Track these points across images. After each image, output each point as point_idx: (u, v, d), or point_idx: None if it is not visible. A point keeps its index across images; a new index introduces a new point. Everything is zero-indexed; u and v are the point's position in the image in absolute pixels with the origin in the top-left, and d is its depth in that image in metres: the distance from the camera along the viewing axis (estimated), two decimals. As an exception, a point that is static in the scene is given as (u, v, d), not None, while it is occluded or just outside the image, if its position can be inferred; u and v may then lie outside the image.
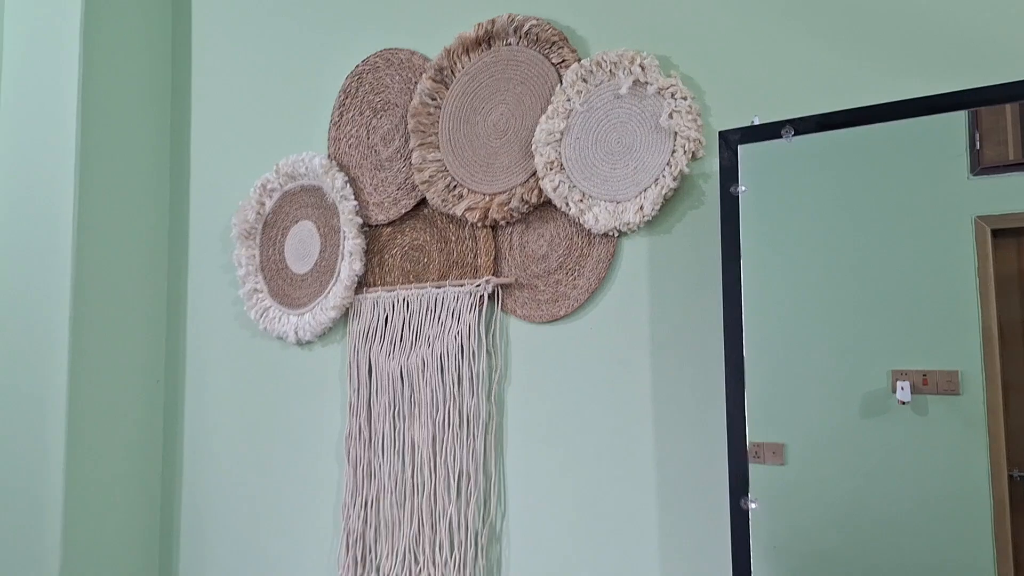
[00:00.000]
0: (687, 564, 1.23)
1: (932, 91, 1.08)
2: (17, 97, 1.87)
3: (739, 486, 1.09)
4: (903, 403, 1.37)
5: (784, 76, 1.19)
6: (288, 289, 1.71)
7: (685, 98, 1.25)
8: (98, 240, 1.79)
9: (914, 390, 1.30)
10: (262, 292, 1.74)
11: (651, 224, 1.29)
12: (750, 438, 1.30)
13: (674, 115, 1.25)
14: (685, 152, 1.24)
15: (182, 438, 1.86)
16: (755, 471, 1.45)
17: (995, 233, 1.15)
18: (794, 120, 1.08)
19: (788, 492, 1.46)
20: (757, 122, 1.11)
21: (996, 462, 1.17)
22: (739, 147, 1.12)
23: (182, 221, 1.92)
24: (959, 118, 1.07)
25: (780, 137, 1.08)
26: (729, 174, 1.11)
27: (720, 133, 1.14)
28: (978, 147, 1.09)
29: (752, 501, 1.09)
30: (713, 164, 1.22)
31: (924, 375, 1.29)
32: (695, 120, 1.24)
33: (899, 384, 1.41)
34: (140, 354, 1.87)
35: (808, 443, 1.41)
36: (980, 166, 1.11)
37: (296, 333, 1.67)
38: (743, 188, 1.11)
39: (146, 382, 1.87)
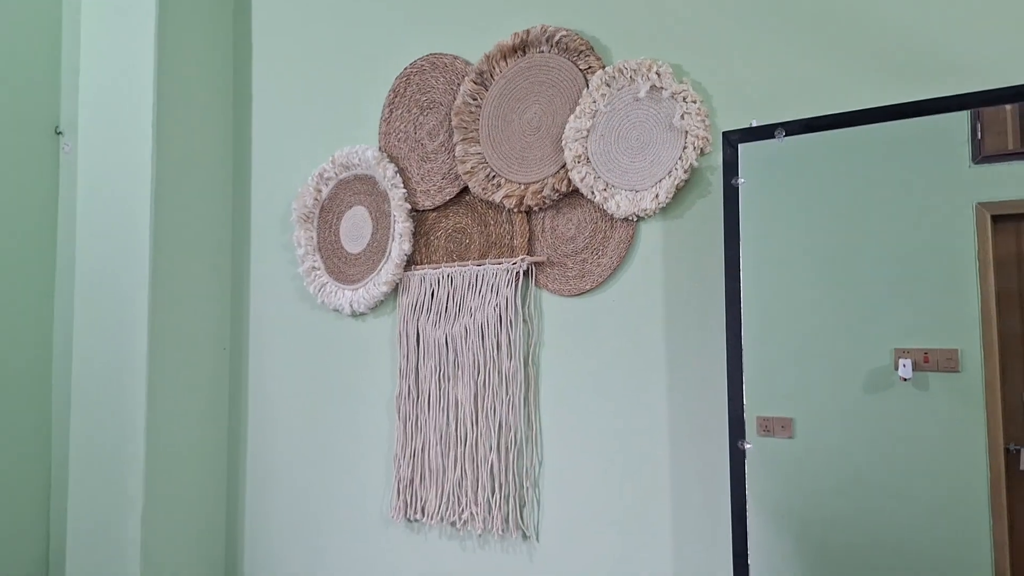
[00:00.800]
0: (695, 499, 1.46)
1: (902, 99, 1.29)
2: (100, 98, 2.11)
3: (737, 431, 1.31)
4: (905, 380, 1.49)
5: (779, 84, 1.40)
6: (343, 267, 1.94)
7: (695, 102, 1.46)
8: (172, 225, 2.03)
9: (915, 367, 1.42)
10: (319, 270, 1.98)
11: (665, 210, 1.51)
12: (760, 413, 1.50)
13: (685, 116, 1.46)
14: (695, 149, 1.45)
15: (247, 398, 2.11)
16: (766, 443, 1.61)
17: (995, 219, 1.32)
18: (785, 123, 1.29)
19: (796, 463, 1.63)
20: (755, 124, 1.33)
21: (993, 436, 1.30)
22: (739, 145, 1.33)
23: (244, 207, 2.16)
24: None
25: (773, 137, 1.30)
26: (731, 168, 1.33)
27: (724, 133, 1.35)
28: (979, 137, 1.27)
29: (747, 443, 1.31)
30: (718, 159, 1.44)
31: (925, 353, 1.41)
32: (703, 121, 1.45)
33: (901, 362, 1.52)
34: (209, 325, 2.11)
35: (815, 417, 1.55)
36: (981, 155, 1.30)
37: (351, 306, 1.91)
38: (742, 180, 1.32)
39: (214, 350, 2.12)
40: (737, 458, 1.31)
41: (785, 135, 1.29)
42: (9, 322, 2.31)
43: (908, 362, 1.42)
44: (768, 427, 1.59)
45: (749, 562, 1.31)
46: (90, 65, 2.15)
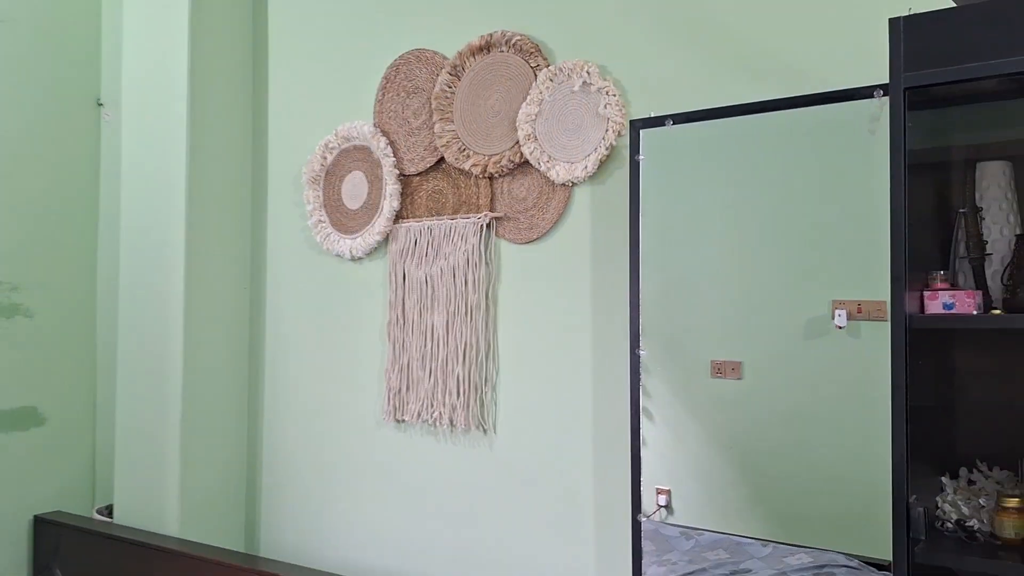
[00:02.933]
0: (607, 393, 1.99)
1: (763, 96, 1.79)
2: (140, 74, 2.62)
3: (634, 341, 1.84)
4: (840, 328, 1.72)
5: (674, 83, 1.91)
6: (344, 220, 2.47)
7: (615, 95, 1.97)
8: (203, 185, 2.55)
9: (850, 317, 1.67)
10: (325, 222, 2.50)
11: (592, 178, 2.02)
12: (712, 357, 1.93)
13: (607, 106, 1.97)
14: (614, 131, 1.96)
15: (264, 327, 2.65)
16: (717, 384, 1.99)
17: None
18: (673, 115, 1.80)
19: (744, 402, 2.02)
20: (652, 115, 1.84)
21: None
22: (641, 130, 1.85)
23: (262, 171, 2.69)
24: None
25: (664, 125, 1.81)
26: (635, 148, 1.84)
27: (631, 121, 1.87)
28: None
29: (642, 350, 1.84)
30: (627, 140, 1.95)
31: (859, 304, 1.66)
32: (621, 110, 1.96)
33: (837, 312, 1.75)
34: (233, 268, 2.64)
35: (761, 361, 1.91)
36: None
37: (351, 252, 2.43)
38: (642, 157, 1.84)
39: (237, 288, 2.66)
40: (634, 362, 1.84)
41: (672, 123, 1.81)
42: (58, 270, 2.85)
43: (843, 312, 1.66)
44: (720, 370, 2.01)
45: (640, 441, 1.85)
46: (132, 46, 2.66)
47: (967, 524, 1.36)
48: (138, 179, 2.62)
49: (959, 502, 1.38)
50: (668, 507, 2.02)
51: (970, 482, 1.42)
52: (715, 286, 1.94)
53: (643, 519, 1.95)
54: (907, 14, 1.30)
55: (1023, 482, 1.38)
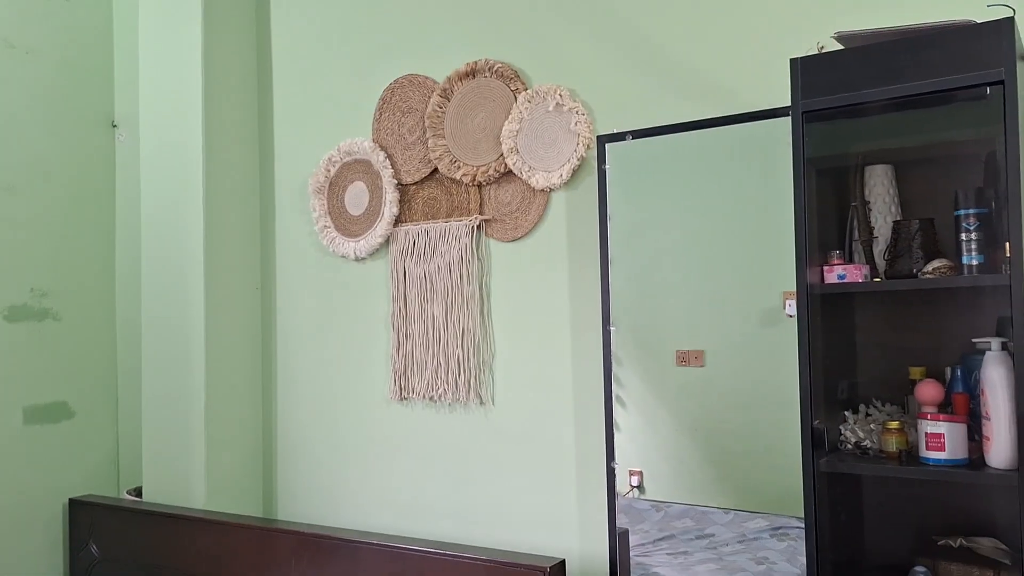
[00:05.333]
0: (585, 366, 2.46)
1: (707, 115, 2.26)
2: (156, 96, 3.04)
3: (606, 319, 2.31)
4: (791, 316, 1.93)
5: (634, 104, 2.39)
6: (348, 225, 2.91)
7: (584, 114, 2.44)
8: (218, 198, 2.98)
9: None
10: (330, 227, 2.94)
11: (567, 184, 2.49)
12: (678, 346, 2.26)
13: (577, 124, 2.44)
14: (583, 145, 2.43)
15: (276, 323, 3.09)
16: (683, 372, 2.30)
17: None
18: (632, 131, 2.28)
19: (708, 387, 2.33)
20: (616, 131, 2.32)
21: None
22: (606, 144, 2.32)
23: (270, 184, 3.13)
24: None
25: (625, 140, 2.28)
26: (601, 158, 2.31)
27: (597, 136, 2.34)
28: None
29: (612, 326, 2.30)
30: (595, 152, 2.42)
31: None
32: (589, 127, 2.43)
33: (788, 302, 2.00)
34: (246, 272, 3.07)
35: (722, 349, 2.27)
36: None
37: (355, 253, 2.87)
38: (607, 166, 2.30)
39: (251, 288, 3.09)
40: (606, 337, 2.30)
41: (632, 138, 2.28)
42: (81, 278, 3.26)
43: (793, 302, 1.85)
44: (685, 358, 2.41)
45: (613, 401, 2.31)
46: (148, 71, 3.08)
47: (862, 444, 1.84)
48: (157, 193, 3.04)
49: (857, 429, 1.86)
50: (640, 487, 2.43)
51: (867, 415, 1.90)
52: (678, 283, 2.34)
53: (618, 498, 2.34)
54: (804, 55, 1.79)
55: (907, 412, 1.87)
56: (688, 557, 2.36)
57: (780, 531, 2.21)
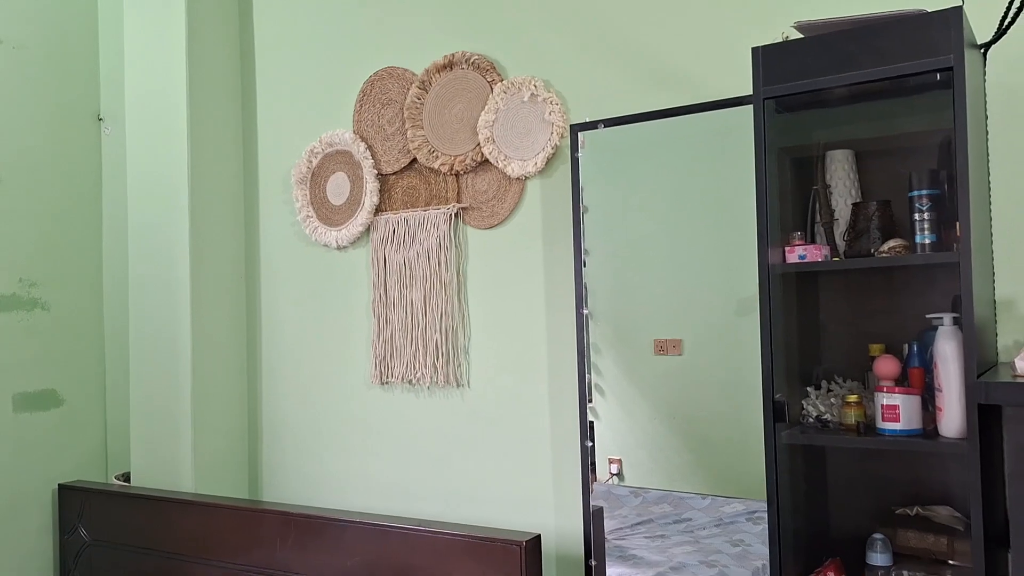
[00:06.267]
0: (559, 348, 2.50)
1: (677, 104, 2.31)
2: (141, 91, 3.07)
3: (579, 302, 2.35)
4: None
5: (605, 94, 2.43)
6: (330, 215, 2.94)
7: (557, 104, 2.48)
8: (203, 189, 3.01)
9: None
10: (312, 217, 2.98)
11: (542, 172, 2.53)
12: (655, 336, 2.30)
13: (551, 114, 2.48)
14: (557, 134, 2.47)
15: (260, 311, 3.12)
16: (661, 361, 2.37)
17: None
18: (604, 119, 2.32)
19: (685, 376, 2.38)
20: (587, 119, 2.36)
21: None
22: (579, 132, 2.36)
23: (254, 175, 3.16)
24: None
25: (597, 128, 2.33)
26: (574, 146, 2.36)
27: (570, 125, 2.38)
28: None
29: (586, 310, 2.35)
30: (569, 141, 2.46)
31: None
32: (563, 116, 2.47)
33: None
34: (231, 260, 3.10)
35: (699, 338, 2.31)
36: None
37: (336, 242, 2.91)
38: (580, 154, 2.35)
39: (235, 277, 3.12)
40: (579, 319, 2.35)
41: (604, 127, 2.33)
42: (69, 268, 3.29)
43: None
44: (663, 347, 2.46)
45: (586, 383, 2.35)
46: (133, 65, 3.10)
47: (823, 417, 1.90)
48: (144, 184, 3.07)
49: (818, 403, 1.91)
50: (619, 475, 2.48)
51: (829, 391, 1.95)
52: (656, 273, 2.37)
53: (596, 486, 2.38)
54: (765, 44, 1.84)
55: (867, 388, 1.92)
56: (665, 540, 2.41)
57: (756, 515, 2.25)
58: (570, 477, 2.48)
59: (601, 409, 2.41)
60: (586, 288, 2.38)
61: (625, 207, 2.42)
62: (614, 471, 2.44)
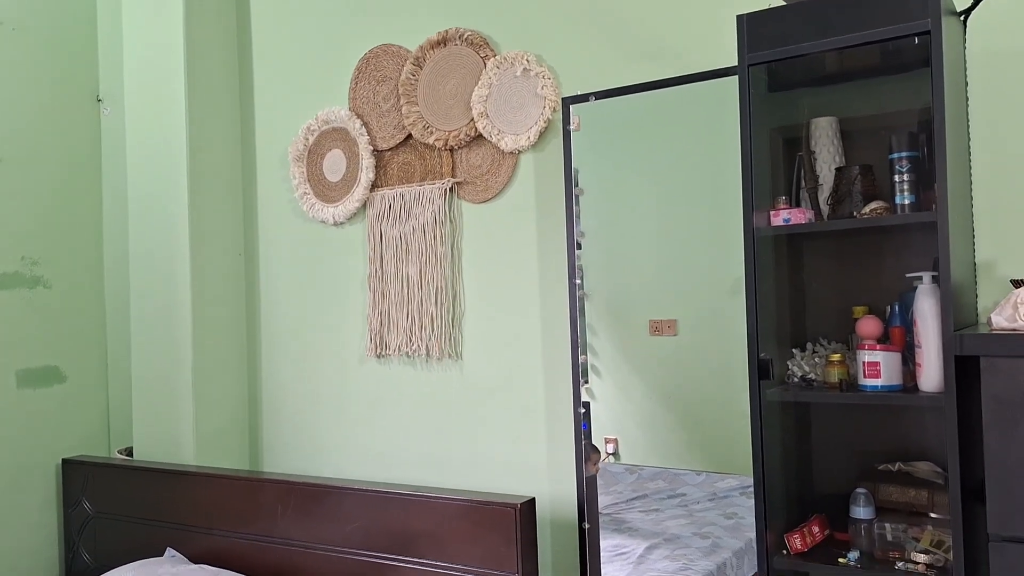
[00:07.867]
0: (553, 322, 2.54)
1: (668, 75, 2.34)
2: (140, 71, 3.09)
3: (572, 274, 2.39)
4: None
5: (596, 67, 2.46)
6: (327, 191, 2.97)
7: (549, 78, 2.51)
8: (202, 166, 3.04)
9: None
10: (309, 194, 3.01)
11: (535, 146, 2.56)
12: (651, 317, 2.33)
13: (544, 88, 2.51)
14: (549, 107, 2.50)
15: (259, 287, 3.16)
16: (656, 341, 2.40)
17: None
18: (595, 92, 2.35)
19: (680, 355, 2.46)
20: (579, 92, 2.39)
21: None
22: (571, 105, 2.39)
23: (251, 152, 3.19)
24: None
25: (588, 100, 2.36)
26: (566, 120, 2.39)
27: (562, 98, 2.41)
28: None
29: (577, 278, 2.39)
30: (561, 115, 2.49)
31: None
32: (555, 90, 2.51)
33: None
34: (230, 236, 3.14)
35: (694, 318, 2.33)
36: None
37: (333, 218, 2.94)
38: (572, 126, 2.38)
39: (234, 253, 3.16)
40: (572, 290, 2.39)
41: (595, 99, 2.36)
42: (71, 246, 3.32)
43: None
44: (658, 328, 2.49)
45: (579, 351, 2.39)
46: (132, 46, 3.13)
47: (807, 377, 1.94)
48: (143, 163, 3.10)
49: (803, 363, 1.95)
50: (616, 454, 2.52)
51: (813, 352, 1.99)
52: (651, 253, 2.39)
53: (593, 468, 2.41)
54: (749, 12, 1.87)
55: (851, 349, 1.96)
56: (660, 514, 2.45)
57: (750, 489, 2.20)
58: (564, 445, 2.52)
59: (597, 389, 2.43)
60: (580, 263, 2.40)
61: (618, 186, 2.45)
62: (610, 451, 2.47)
